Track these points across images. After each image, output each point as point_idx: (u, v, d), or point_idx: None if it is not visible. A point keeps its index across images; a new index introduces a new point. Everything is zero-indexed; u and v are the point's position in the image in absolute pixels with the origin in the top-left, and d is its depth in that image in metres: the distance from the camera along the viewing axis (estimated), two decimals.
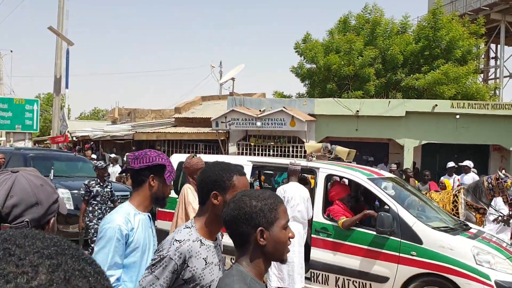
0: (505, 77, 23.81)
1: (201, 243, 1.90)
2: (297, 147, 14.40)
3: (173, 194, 4.60)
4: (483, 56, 22.72)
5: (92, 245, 6.76)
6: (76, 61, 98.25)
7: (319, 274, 5.75)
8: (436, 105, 13.92)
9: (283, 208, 1.59)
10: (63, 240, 0.68)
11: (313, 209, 5.88)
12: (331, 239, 5.73)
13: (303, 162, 6.37)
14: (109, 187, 7.15)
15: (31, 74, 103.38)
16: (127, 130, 18.86)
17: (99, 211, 6.92)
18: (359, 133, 14.33)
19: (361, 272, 5.47)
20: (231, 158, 8.40)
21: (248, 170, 6.40)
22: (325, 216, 5.88)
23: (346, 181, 6.74)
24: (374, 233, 5.42)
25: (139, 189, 2.38)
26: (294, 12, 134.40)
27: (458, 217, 6.64)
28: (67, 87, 19.52)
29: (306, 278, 5.76)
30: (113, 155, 16.07)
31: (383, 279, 5.35)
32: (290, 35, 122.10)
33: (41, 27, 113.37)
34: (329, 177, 6.37)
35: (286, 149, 14.56)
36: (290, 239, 1.60)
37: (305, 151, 10.95)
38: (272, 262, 1.62)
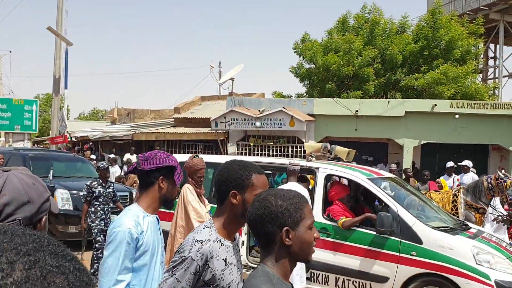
0: (504, 76, 23.83)
1: (221, 243, 1.86)
2: (296, 147, 14.40)
3: None
4: (482, 56, 22.74)
5: (96, 245, 6.72)
6: (75, 61, 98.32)
7: (319, 274, 5.75)
8: (436, 105, 13.93)
9: (308, 208, 1.57)
10: (43, 237, 0.68)
11: (312, 209, 5.88)
12: (331, 239, 5.72)
13: (303, 162, 6.36)
14: (111, 187, 7.09)
15: (30, 74, 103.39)
16: (126, 131, 18.85)
17: (102, 212, 6.86)
18: (358, 133, 14.33)
19: (361, 272, 5.47)
20: (230, 159, 8.39)
21: None
22: (324, 216, 5.88)
23: (346, 181, 6.74)
24: (374, 233, 5.41)
25: (148, 190, 2.34)
26: (294, 12, 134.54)
27: (458, 216, 6.64)
28: (66, 87, 19.52)
29: (306, 278, 5.75)
30: (112, 156, 16.06)
31: (383, 279, 5.35)
32: (290, 35, 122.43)
33: (40, 27, 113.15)
34: (328, 177, 6.36)
35: (286, 149, 14.56)
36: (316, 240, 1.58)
37: (304, 151, 10.95)
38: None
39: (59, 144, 18.68)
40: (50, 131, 22.71)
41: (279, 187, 6.00)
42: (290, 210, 1.51)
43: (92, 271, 6.89)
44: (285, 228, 1.50)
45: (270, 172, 11.56)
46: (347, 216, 5.71)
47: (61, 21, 19.74)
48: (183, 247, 1.83)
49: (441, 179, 10.78)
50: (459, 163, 10.88)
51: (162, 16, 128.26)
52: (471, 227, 5.95)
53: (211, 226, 1.89)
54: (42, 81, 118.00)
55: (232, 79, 18.23)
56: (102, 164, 7.39)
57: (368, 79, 17.31)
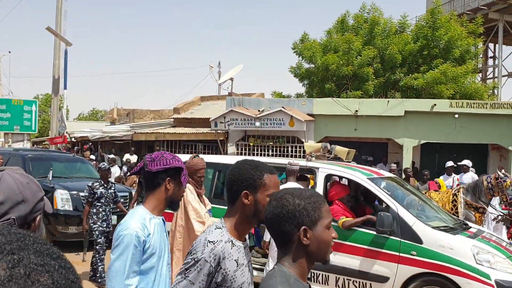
0: (503, 76, 23.84)
1: (233, 244, 1.84)
2: (296, 147, 14.41)
3: None
4: (481, 56, 22.76)
5: (97, 247, 6.69)
6: (74, 62, 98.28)
7: (319, 274, 5.74)
8: (435, 104, 13.93)
9: (326, 208, 1.55)
10: (28, 236, 0.69)
11: None
12: None
13: (303, 162, 6.36)
14: (112, 188, 7.05)
15: (29, 75, 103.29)
16: (125, 131, 18.85)
17: (104, 213, 6.81)
18: (358, 133, 14.34)
19: (361, 272, 5.46)
20: (230, 159, 8.39)
21: None
22: None
23: (346, 181, 6.73)
24: (374, 233, 5.41)
25: (154, 192, 2.32)
26: (293, 12, 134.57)
27: (458, 216, 6.64)
28: (65, 87, 19.49)
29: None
30: (111, 156, 16.05)
31: (383, 279, 5.34)
32: (289, 35, 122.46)
33: (40, 27, 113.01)
34: (328, 177, 6.36)
35: (285, 149, 14.56)
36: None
37: (304, 151, 10.95)
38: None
39: (58, 145, 18.67)
40: (49, 132, 22.69)
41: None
42: (308, 209, 1.50)
43: (91, 273, 6.88)
44: (303, 227, 1.48)
45: None
46: (347, 216, 5.70)
47: (60, 22, 19.72)
48: (195, 249, 1.80)
49: (439, 179, 10.77)
50: (459, 163, 10.89)
51: (162, 16, 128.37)
52: (471, 227, 5.95)
53: (223, 226, 1.87)
54: (41, 82, 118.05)
55: (231, 79, 18.24)
56: (104, 165, 7.35)
57: (367, 79, 17.32)
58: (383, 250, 5.37)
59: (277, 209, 1.52)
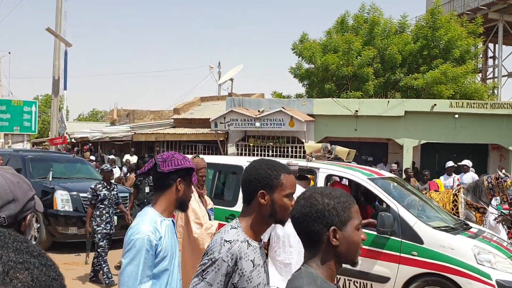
0: (503, 76, 23.84)
1: (249, 244, 1.81)
2: (296, 147, 14.40)
3: None
4: (481, 56, 22.75)
5: (98, 250, 6.63)
6: (74, 62, 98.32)
7: None
8: (435, 104, 13.93)
9: (356, 208, 1.51)
10: (9, 234, 0.69)
11: None
12: None
13: (303, 163, 6.35)
14: (115, 190, 7.01)
15: (29, 76, 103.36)
16: (126, 131, 18.84)
17: (107, 215, 6.77)
18: (358, 133, 14.33)
19: (362, 273, 5.45)
20: (230, 159, 8.39)
21: None
22: None
23: (346, 181, 6.72)
24: (375, 233, 5.40)
25: (165, 193, 2.29)
26: (293, 12, 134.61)
27: (458, 216, 6.63)
28: (65, 88, 19.49)
29: None
30: (111, 157, 16.05)
31: (384, 279, 5.34)
32: (289, 35, 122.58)
33: (40, 28, 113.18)
34: (329, 177, 6.36)
35: (285, 149, 14.55)
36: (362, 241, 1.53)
37: (304, 152, 10.94)
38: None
39: (58, 145, 18.67)
40: (49, 132, 22.68)
41: None
42: (338, 209, 1.46)
43: (91, 275, 6.85)
44: (332, 227, 1.45)
45: None
46: None
47: (60, 22, 19.72)
48: (211, 249, 1.77)
49: (438, 179, 10.74)
50: (459, 163, 10.89)
51: (161, 16, 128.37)
52: (472, 227, 5.94)
53: (238, 226, 1.84)
54: (41, 82, 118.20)
55: (231, 79, 18.23)
56: (106, 166, 7.33)
57: (367, 79, 17.31)
58: (384, 251, 5.36)
59: (305, 208, 1.48)
